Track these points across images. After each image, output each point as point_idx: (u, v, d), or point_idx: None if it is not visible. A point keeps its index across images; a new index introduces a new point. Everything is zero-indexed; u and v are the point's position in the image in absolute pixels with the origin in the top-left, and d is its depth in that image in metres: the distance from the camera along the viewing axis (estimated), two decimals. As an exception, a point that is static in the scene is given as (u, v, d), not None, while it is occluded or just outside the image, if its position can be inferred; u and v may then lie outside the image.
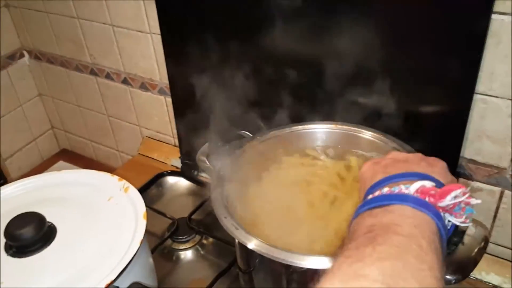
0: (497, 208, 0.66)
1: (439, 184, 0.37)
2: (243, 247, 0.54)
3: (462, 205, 0.36)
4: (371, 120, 0.64)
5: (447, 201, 0.35)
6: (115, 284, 0.50)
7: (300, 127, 0.65)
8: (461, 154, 0.65)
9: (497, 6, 0.53)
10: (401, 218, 0.33)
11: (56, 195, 0.63)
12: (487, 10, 0.53)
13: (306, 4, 0.64)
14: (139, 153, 1.06)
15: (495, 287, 0.67)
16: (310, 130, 0.65)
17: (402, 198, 0.35)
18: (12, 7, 1.09)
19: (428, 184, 0.36)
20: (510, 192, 0.64)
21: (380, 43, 0.62)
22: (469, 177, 0.66)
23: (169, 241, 0.80)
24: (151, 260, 0.62)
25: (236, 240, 0.57)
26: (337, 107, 0.68)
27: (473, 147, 0.64)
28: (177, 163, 0.99)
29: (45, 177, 0.66)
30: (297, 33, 0.69)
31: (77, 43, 1.02)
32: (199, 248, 0.80)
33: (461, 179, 0.67)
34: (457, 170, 0.66)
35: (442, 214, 0.35)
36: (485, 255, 0.69)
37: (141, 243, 0.54)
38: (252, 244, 0.48)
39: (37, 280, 0.51)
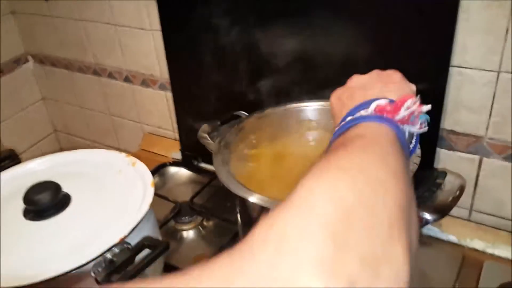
0: (477, 176, 0.72)
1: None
2: (244, 208, 0.59)
3: (416, 113, 0.41)
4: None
5: (402, 113, 0.40)
6: (127, 240, 0.54)
7: (293, 105, 0.71)
8: (441, 126, 0.70)
9: (465, -15, 0.59)
10: (365, 130, 0.38)
11: (69, 170, 0.67)
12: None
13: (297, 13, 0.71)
14: (140, 148, 1.10)
15: (480, 252, 0.72)
16: (301, 108, 0.71)
17: (364, 118, 0.40)
18: (18, 13, 1.15)
19: (382, 102, 0.41)
20: (488, 160, 0.70)
21: (364, 33, 0.69)
22: (450, 148, 0.72)
23: (172, 222, 0.84)
24: (157, 226, 0.66)
25: (237, 205, 0.62)
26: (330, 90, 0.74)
27: (452, 118, 0.69)
28: (178, 155, 1.03)
29: (60, 155, 0.71)
30: (293, 32, 0.75)
31: (81, 45, 1.08)
32: (201, 229, 0.84)
33: (443, 150, 0.72)
34: (438, 141, 0.71)
35: (401, 126, 0.40)
36: (468, 222, 0.75)
37: (150, 205, 0.58)
38: (253, 198, 0.53)
39: (53, 240, 0.55)
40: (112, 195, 0.62)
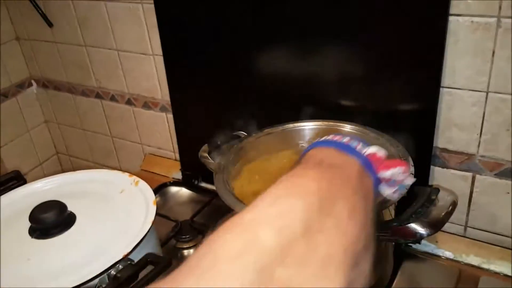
0: (471, 192, 0.74)
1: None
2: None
3: (397, 181, 0.42)
4: (354, 118, 0.72)
5: (387, 174, 0.40)
6: (130, 256, 0.56)
7: (291, 125, 0.73)
8: (434, 144, 0.73)
9: (453, 8, 0.63)
10: (347, 163, 0.37)
11: (74, 190, 0.69)
12: (444, 13, 0.62)
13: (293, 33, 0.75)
14: (141, 169, 1.12)
15: (475, 268, 0.74)
16: (299, 127, 0.73)
17: (355, 153, 0.38)
18: (22, 39, 1.19)
19: (380, 152, 0.40)
20: (480, 177, 0.72)
21: (357, 57, 0.72)
22: (443, 165, 0.74)
23: (173, 241, 0.86)
24: (159, 244, 0.68)
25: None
26: (326, 110, 0.77)
27: (444, 136, 0.72)
28: (178, 175, 1.05)
29: (64, 176, 0.73)
30: (290, 54, 0.78)
31: (84, 69, 1.11)
32: (202, 247, 0.85)
33: (437, 168, 0.74)
34: (432, 159, 0.74)
35: (378, 182, 0.40)
36: (463, 238, 0.77)
37: (152, 223, 0.60)
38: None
39: (59, 257, 0.57)
40: (116, 214, 0.64)
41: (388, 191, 0.42)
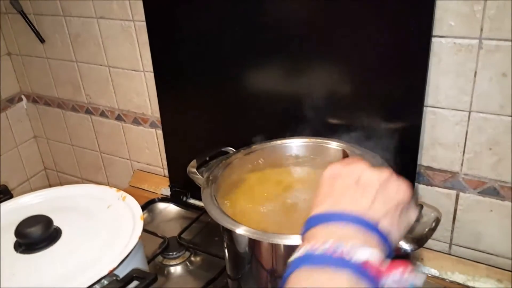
0: (455, 210, 0.75)
1: (384, 241, 0.37)
2: (232, 241, 0.61)
3: (404, 282, 0.35)
4: (340, 136, 0.74)
5: (388, 282, 0.35)
6: (116, 272, 0.56)
7: (279, 141, 0.74)
8: (419, 162, 0.74)
9: (436, 30, 0.65)
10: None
11: (61, 205, 0.69)
12: (427, 34, 0.64)
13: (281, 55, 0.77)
14: (130, 185, 1.12)
15: (460, 285, 0.74)
16: (287, 144, 0.74)
17: (346, 265, 0.34)
18: (14, 54, 1.19)
19: (375, 257, 0.35)
20: (464, 194, 0.73)
21: (344, 77, 0.74)
22: (428, 183, 0.75)
23: (160, 258, 0.85)
24: (145, 259, 0.68)
25: (225, 239, 0.63)
26: (313, 127, 0.78)
27: (429, 154, 0.73)
28: (167, 192, 1.05)
29: (51, 190, 0.73)
30: (278, 72, 0.80)
31: (75, 85, 1.12)
32: (188, 264, 0.85)
33: (421, 185, 0.76)
34: (416, 177, 0.75)
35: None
36: (448, 256, 0.77)
37: (139, 238, 0.60)
38: (240, 229, 0.55)
39: (44, 272, 0.56)
40: (102, 229, 0.63)
41: None
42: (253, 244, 0.57)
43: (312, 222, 0.39)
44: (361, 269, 0.34)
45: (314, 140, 0.74)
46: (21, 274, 0.57)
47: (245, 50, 0.80)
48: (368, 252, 0.35)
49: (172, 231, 0.92)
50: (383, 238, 0.38)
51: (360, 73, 0.72)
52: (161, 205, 1.02)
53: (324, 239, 0.36)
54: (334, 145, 0.71)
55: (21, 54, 1.18)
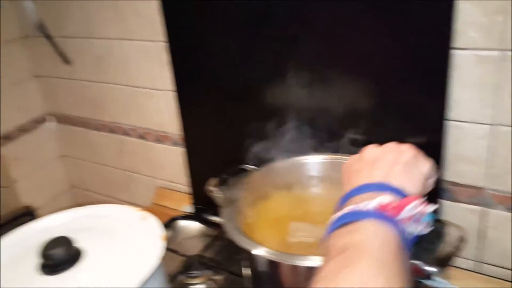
0: (482, 226, 0.72)
1: (399, 194, 0.43)
2: (251, 261, 0.61)
3: (419, 215, 0.41)
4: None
5: (404, 214, 0.40)
6: (137, 294, 0.56)
7: (298, 158, 0.74)
8: (443, 178, 0.72)
9: (457, 42, 0.63)
10: (367, 236, 0.38)
11: (83, 225, 0.70)
12: (447, 46, 0.63)
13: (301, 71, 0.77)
14: (152, 203, 1.13)
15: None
16: (306, 161, 0.74)
17: (366, 215, 0.40)
18: (41, 76, 1.23)
19: (386, 199, 0.41)
20: (491, 210, 0.71)
21: (364, 91, 0.73)
22: (453, 199, 0.73)
23: (182, 277, 0.85)
24: (166, 280, 0.68)
25: (245, 259, 0.63)
26: (333, 143, 0.77)
27: (453, 170, 0.71)
28: (189, 209, 1.06)
29: (73, 211, 0.74)
30: (298, 90, 0.80)
31: (98, 105, 1.15)
32: (210, 283, 0.85)
33: (446, 202, 0.74)
34: (441, 193, 0.73)
35: (402, 225, 0.40)
36: (476, 274, 0.75)
37: (161, 259, 0.60)
38: (259, 250, 0.55)
39: (67, 293, 0.57)
40: (124, 249, 0.64)
41: (417, 228, 0.42)
42: (273, 265, 0.57)
43: (338, 205, 0.45)
44: (377, 213, 0.40)
45: (333, 156, 0.73)
46: (45, 295, 0.57)
47: (266, 67, 0.80)
48: (379, 199, 0.41)
49: (194, 248, 0.92)
50: (396, 191, 0.43)
51: (380, 88, 0.72)
52: (183, 223, 1.02)
53: (345, 210, 0.42)
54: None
55: (47, 75, 1.22)
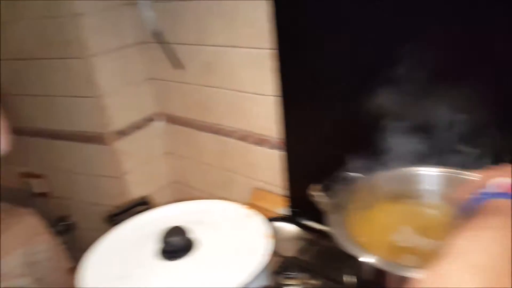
0: None
1: None
2: (358, 269, 0.61)
3: None
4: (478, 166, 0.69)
5: None
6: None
7: (407, 169, 0.72)
8: None
9: None
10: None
11: (193, 217, 0.75)
12: None
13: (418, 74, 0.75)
14: (249, 202, 1.17)
15: None
16: (416, 173, 0.72)
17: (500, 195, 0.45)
18: (154, 79, 1.34)
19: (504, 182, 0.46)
20: None
21: (476, 103, 0.70)
22: None
23: (279, 277, 0.88)
24: (270, 278, 0.71)
25: (352, 266, 0.63)
26: (443, 155, 0.75)
27: None
28: (283, 211, 1.08)
29: (185, 204, 0.80)
30: (406, 99, 0.78)
31: (204, 107, 1.22)
32: (307, 286, 0.86)
33: None
34: None
35: None
36: None
37: (269, 256, 0.63)
38: (370, 259, 0.55)
39: (183, 279, 0.62)
40: (232, 243, 0.68)
41: None
42: (381, 274, 0.57)
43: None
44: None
45: (447, 169, 0.70)
46: (164, 278, 0.63)
47: (375, 77, 0.80)
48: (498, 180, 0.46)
49: (289, 250, 0.94)
50: None
51: (491, 99, 0.68)
52: (279, 224, 1.05)
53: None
54: (469, 177, 0.67)
55: (159, 78, 1.32)
